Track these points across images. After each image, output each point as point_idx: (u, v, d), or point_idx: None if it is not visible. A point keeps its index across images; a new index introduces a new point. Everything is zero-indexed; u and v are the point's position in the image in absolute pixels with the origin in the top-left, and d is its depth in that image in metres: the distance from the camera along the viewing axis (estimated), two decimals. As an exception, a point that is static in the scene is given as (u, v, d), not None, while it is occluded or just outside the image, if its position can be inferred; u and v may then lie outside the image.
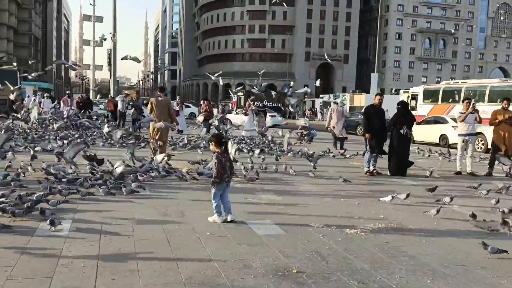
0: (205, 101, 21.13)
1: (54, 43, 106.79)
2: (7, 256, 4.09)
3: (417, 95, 25.13)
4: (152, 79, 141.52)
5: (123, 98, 20.71)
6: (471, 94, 21.64)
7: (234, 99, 50.05)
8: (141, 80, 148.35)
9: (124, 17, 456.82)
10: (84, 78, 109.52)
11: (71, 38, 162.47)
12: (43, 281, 3.59)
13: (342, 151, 13.92)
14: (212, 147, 5.74)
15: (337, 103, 16.73)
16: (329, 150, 13.87)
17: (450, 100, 23.05)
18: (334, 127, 15.42)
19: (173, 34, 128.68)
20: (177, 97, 24.94)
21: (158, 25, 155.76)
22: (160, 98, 10.30)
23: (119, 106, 20.37)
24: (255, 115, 20.03)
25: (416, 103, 24.58)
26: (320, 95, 59.59)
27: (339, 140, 15.52)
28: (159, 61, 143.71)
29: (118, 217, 5.59)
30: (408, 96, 25.88)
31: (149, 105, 10.39)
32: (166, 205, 6.30)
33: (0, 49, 71.36)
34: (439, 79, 70.85)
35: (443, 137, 18.27)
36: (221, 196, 5.58)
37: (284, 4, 57.17)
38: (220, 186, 5.57)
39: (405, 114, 10.21)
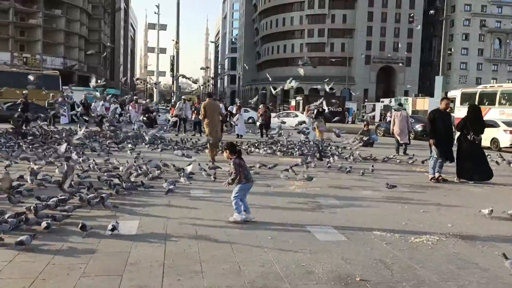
0: (263, 105, 21.43)
1: (121, 51, 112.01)
2: (81, 255, 4.32)
3: (455, 98, 25.78)
4: (212, 84, 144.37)
5: (183, 103, 21.32)
6: (506, 97, 22.92)
7: (293, 103, 49.98)
8: (201, 85, 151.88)
9: (186, 24, 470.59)
10: (148, 83, 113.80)
11: (137, 46, 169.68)
12: (113, 279, 3.77)
13: (407, 157, 13.53)
14: (225, 154, 5.96)
15: (401, 108, 16.25)
16: (394, 155, 13.59)
17: (487, 103, 23.50)
18: (398, 132, 14.98)
19: (233, 40, 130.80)
20: (237, 101, 25.22)
21: (219, 31, 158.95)
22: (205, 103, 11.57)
23: (176, 111, 20.94)
24: (313, 119, 19.88)
25: (454, 106, 25.16)
26: (381, 99, 58.09)
27: (402, 145, 15.08)
28: (219, 67, 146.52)
29: (182, 220, 5.75)
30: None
31: (202, 110, 11.53)
32: (226, 209, 6.40)
33: (72, 57, 76.01)
34: (510, 81, 66.91)
35: (494, 140, 18.18)
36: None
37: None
38: (246, 186, 5.77)
39: (474, 120, 9.70)
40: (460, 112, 24.00)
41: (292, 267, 4.18)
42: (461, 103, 24.96)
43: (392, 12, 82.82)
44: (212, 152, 11.40)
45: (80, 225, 4.86)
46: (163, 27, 40.07)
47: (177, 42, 28.65)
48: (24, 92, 17.56)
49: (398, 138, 15.03)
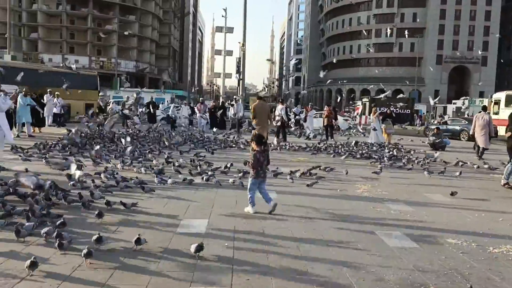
0: (328, 107, 21.26)
1: (189, 54, 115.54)
2: (155, 251, 4.50)
3: (500, 100, 26.63)
4: (276, 85, 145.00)
5: (235, 103, 21.61)
6: None
7: (359, 105, 48.96)
8: (266, 87, 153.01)
9: (252, 27, 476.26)
10: (214, 85, 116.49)
11: (204, 49, 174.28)
12: (186, 275, 3.89)
13: (482, 161, 12.86)
14: (253, 145, 6.38)
15: (485, 111, 15.40)
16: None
17: None
18: (479, 136, 14.27)
19: (298, 41, 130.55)
20: (310, 104, 25.17)
21: (284, 33, 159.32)
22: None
23: (231, 112, 21.20)
24: (381, 122, 19.38)
25: (499, 108, 26.37)
26: (453, 101, 55.33)
27: (481, 149, 14.34)
28: (284, 68, 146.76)
29: (249, 220, 5.82)
30: (491, 101, 27.93)
31: (252, 111, 12.63)
32: (292, 209, 6.40)
33: (144, 61, 79.51)
34: None
35: None
36: (258, 189, 6.25)
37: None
38: (256, 181, 6.24)
39: None
40: (505, 114, 24.79)
41: (361, 272, 4.09)
42: (506, 105, 25.67)
43: (466, 9, 78.71)
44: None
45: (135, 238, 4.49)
46: (230, 30, 40.72)
47: (243, 45, 29.00)
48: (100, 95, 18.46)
49: (478, 142, 14.36)
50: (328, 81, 64.29)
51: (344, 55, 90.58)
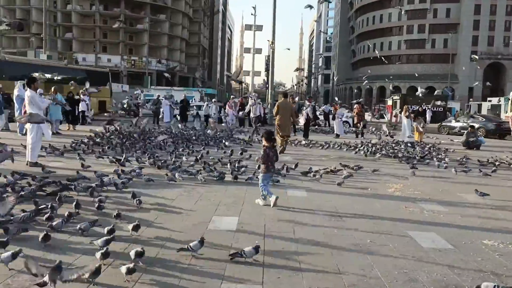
0: (358, 105, 21.02)
1: (219, 52, 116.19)
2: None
3: None
4: (305, 83, 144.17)
5: (254, 100, 21.27)
6: None
7: (389, 103, 48.19)
8: (295, 85, 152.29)
9: (281, 24, 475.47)
10: (243, 83, 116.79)
11: (233, 47, 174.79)
12: (217, 272, 3.92)
13: None
14: (264, 142, 6.74)
15: None
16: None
17: None
18: None
19: (328, 39, 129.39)
20: (338, 102, 24.91)
21: (313, 30, 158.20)
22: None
23: (252, 109, 20.81)
24: (412, 120, 19.02)
25: None
26: (488, 98, 53.70)
27: None
28: (313, 66, 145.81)
29: (279, 219, 5.82)
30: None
31: (275, 108, 12.82)
32: (323, 208, 6.36)
33: (174, 59, 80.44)
34: None
35: None
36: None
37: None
38: (268, 175, 6.62)
39: None
40: None
41: (394, 273, 4.03)
42: None
43: (502, 4, 76.23)
44: (282, 145, 12.42)
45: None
46: (259, 28, 40.76)
47: (272, 42, 28.93)
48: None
49: None
50: (365, 79, 63.11)
51: (374, 52, 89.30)
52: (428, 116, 36.09)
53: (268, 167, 6.60)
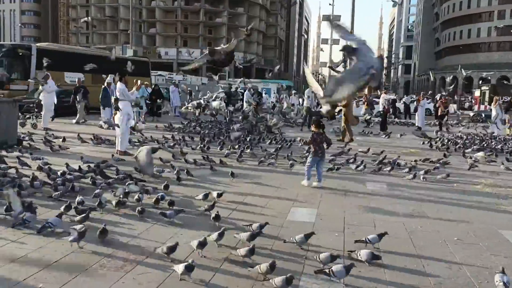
0: (442, 97, 20.04)
1: (295, 44, 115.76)
2: (265, 242, 4.63)
3: None
4: (385, 74, 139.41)
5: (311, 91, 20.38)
6: None
7: (477, 93, 45.21)
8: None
9: (359, 14, 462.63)
10: (319, 74, 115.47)
11: (310, 38, 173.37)
12: (296, 266, 3.97)
13: None
14: (313, 128, 7.41)
15: None
16: None
17: None
18: None
19: (409, 27, 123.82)
20: (421, 93, 23.74)
21: (394, 19, 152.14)
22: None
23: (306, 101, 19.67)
24: (503, 111, 17.77)
25: None
26: None
27: None
28: (393, 56, 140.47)
29: (359, 212, 5.73)
30: None
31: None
32: (405, 203, 6.16)
33: (251, 51, 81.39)
34: None
35: None
36: (316, 167, 7.14)
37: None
38: (315, 159, 7.12)
39: None
40: None
41: (484, 273, 3.82)
42: None
43: None
44: (350, 135, 13.12)
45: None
46: (337, 18, 39.95)
47: (351, 32, 28.27)
48: None
49: None
50: (450, 69, 59.79)
51: (461, 40, 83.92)
52: None
53: (316, 151, 7.11)
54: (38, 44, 22.78)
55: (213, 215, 4.88)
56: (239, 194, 6.30)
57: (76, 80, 17.18)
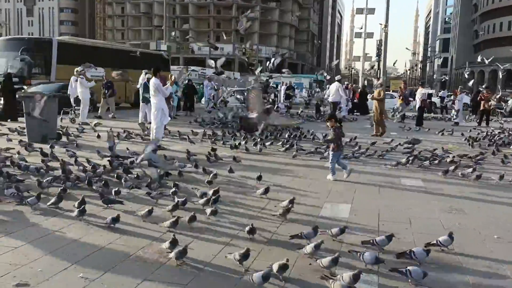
0: (486, 90, 19.55)
1: (328, 38, 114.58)
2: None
3: None
4: (420, 68, 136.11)
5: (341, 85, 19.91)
6: None
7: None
8: (408, 70, 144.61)
9: (394, 6, 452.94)
10: (353, 69, 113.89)
11: (343, 32, 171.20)
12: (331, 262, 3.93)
13: None
14: (330, 123, 7.15)
15: None
16: None
17: None
18: None
19: (446, 19, 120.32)
20: (459, 88, 23.07)
21: (430, 11, 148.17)
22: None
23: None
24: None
25: None
26: None
27: None
28: (429, 49, 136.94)
29: (394, 208, 5.64)
30: None
31: (382, 92, 13.88)
32: (441, 199, 6.02)
33: (283, 46, 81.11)
34: None
35: None
36: (337, 161, 7.10)
37: None
38: (337, 154, 7.09)
39: None
40: None
41: (526, 273, 3.70)
42: None
43: None
44: (383, 129, 13.55)
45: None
46: (371, 11, 39.32)
47: (385, 26, 27.70)
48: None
49: None
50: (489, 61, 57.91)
51: (501, 31, 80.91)
52: None
53: (338, 146, 7.06)
54: (59, 38, 22.68)
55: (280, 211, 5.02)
56: (272, 190, 6.31)
57: (103, 75, 16.98)
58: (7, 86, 13.94)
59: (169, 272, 3.50)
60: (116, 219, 4.42)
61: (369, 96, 23.50)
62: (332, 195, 6.12)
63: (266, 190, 5.73)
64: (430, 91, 31.57)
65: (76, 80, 14.41)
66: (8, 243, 3.97)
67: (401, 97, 22.37)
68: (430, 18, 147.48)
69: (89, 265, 3.56)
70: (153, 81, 9.68)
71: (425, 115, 18.86)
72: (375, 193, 6.39)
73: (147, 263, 3.65)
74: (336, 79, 18.88)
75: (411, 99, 21.49)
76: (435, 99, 28.46)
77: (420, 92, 20.30)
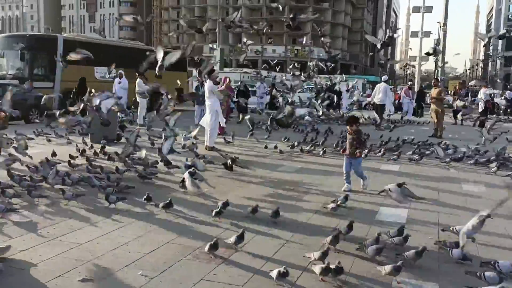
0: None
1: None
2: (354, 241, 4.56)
3: None
4: (481, 67, 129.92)
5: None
6: None
7: None
8: (468, 69, 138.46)
9: (453, 2, 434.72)
10: (407, 69, 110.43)
11: (398, 31, 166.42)
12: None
13: None
14: (352, 127, 6.42)
15: None
16: None
17: None
18: None
19: (510, 16, 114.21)
20: None
21: (492, 7, 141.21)
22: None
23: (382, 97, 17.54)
24: None
25: None
26: None
27: None
28: (491, 48, 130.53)
29: (452, 212, 5.43)
30: None
31: (437, 92, 13.53)
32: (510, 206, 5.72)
33: (336, 47, 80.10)
34: None
35: None
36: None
37: None
38: (360, 159, 6.43)
39: None
40: None
41: None
42: None
43: None
44: (441, 129, 13.26)
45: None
46: (429, 9, 38.02)
47: (444, 24, 26.74)
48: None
49: None
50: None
51: None
52: None
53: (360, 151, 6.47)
54: (65, 35, 21.08)
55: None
56: (326, 192, 6.26)
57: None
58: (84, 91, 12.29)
59: (225, 273, 3.56)
60: (169, 204, 5.08)
61: (427, 97, 22.77)
62: (387, 199, 5.95)
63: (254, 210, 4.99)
64: (494, 91, 29.88)
65: (119, 82, 14.67)
66: (75, 240, 4.19)
67: (455, 98, 21.41)
68: (492, 15, 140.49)
69: (148, 263, 3.70)
70: (208, 83, 9.85)
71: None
72: (435, 198, 6.15)
73: (203, 263, 3.73)
74: (382, 80, 17.98)
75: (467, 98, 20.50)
76: (498, 100, 26.86)
77: (484, 92, 18.93)
